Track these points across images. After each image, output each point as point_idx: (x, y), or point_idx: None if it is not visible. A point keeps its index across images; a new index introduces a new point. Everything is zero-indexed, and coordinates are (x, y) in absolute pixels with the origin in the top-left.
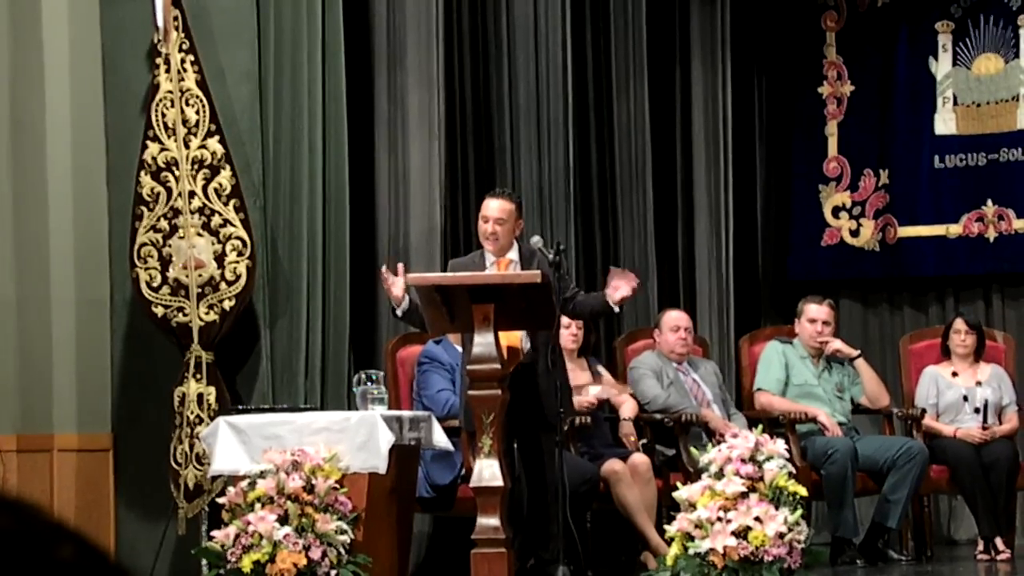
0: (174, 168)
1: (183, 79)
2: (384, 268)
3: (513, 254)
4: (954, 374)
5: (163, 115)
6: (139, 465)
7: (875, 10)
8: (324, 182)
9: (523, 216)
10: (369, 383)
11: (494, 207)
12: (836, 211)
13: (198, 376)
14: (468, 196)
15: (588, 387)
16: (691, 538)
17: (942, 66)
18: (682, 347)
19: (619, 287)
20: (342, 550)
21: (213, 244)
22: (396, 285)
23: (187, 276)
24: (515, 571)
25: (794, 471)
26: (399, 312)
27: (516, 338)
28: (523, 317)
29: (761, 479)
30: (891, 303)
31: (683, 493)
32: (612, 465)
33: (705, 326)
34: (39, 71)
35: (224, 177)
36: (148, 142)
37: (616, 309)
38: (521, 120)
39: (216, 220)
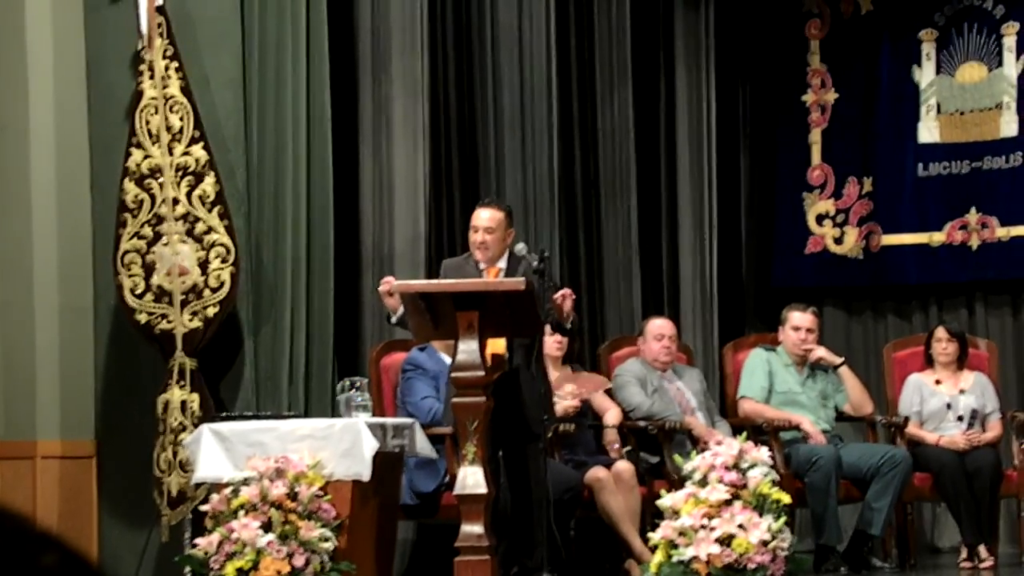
0: (158, 175)
1: (167, 86)
2: (390, 278)
3: (503, 263)
4: (937, 382)
5: (147, 122)
6: (122, 472)
7: (859, 18)
8: (308, 189)
9: (514, 224)
10: (353, 390)
11: (484, 216)
12: (820, 219)
13: (182, 383)
14: (452, 203)
15: (565, 385)
16: (675, 545)
17: (926, 74)
18: (666, 355)
19: (560, 307)
20: (325, 557)
21: (197, 251)
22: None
23: (171, 283)
24: None
25: (778, 478)
26: (394, 319)
27: (502, 345)
28: (508, 324)
29: (745, 486)
30: (875, 311)
31: (667, 500)
32: (596, 472)
33: (689, 333)
34: (23, 77)
35: (208, 184)
36: (132, 149)
37: (568, 325)
38: (505, 127)
39: (200, 227)
